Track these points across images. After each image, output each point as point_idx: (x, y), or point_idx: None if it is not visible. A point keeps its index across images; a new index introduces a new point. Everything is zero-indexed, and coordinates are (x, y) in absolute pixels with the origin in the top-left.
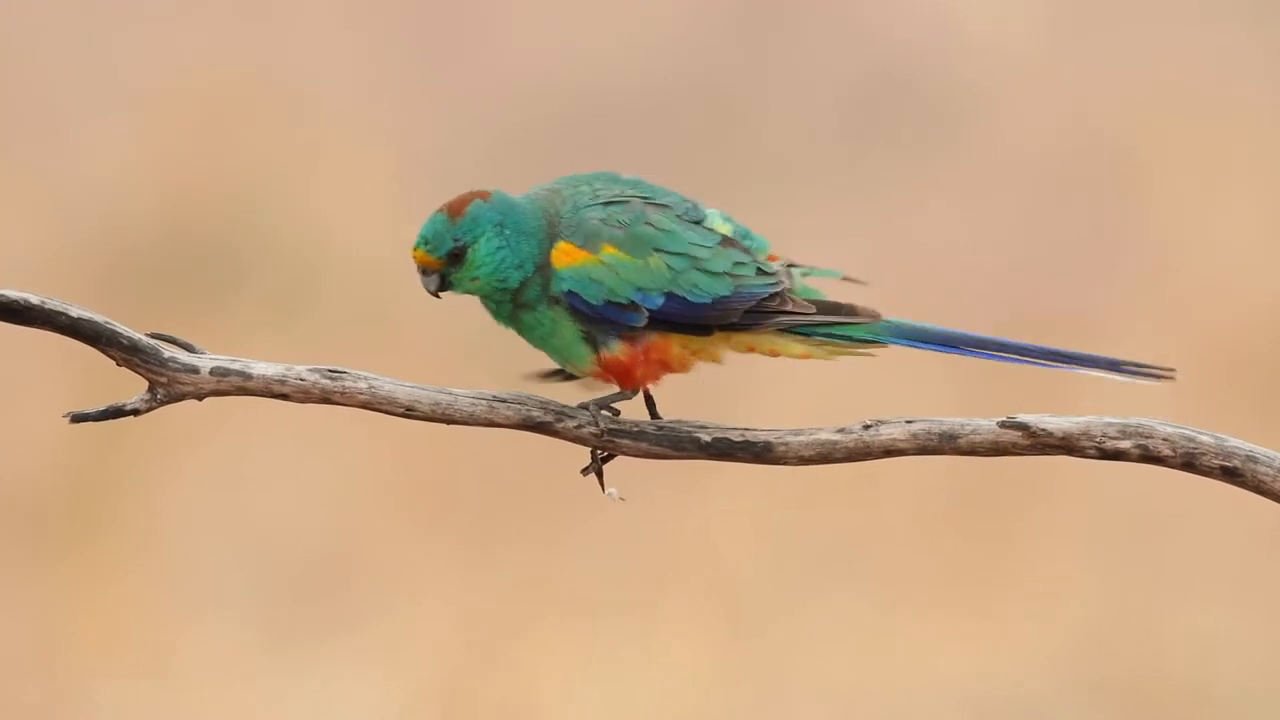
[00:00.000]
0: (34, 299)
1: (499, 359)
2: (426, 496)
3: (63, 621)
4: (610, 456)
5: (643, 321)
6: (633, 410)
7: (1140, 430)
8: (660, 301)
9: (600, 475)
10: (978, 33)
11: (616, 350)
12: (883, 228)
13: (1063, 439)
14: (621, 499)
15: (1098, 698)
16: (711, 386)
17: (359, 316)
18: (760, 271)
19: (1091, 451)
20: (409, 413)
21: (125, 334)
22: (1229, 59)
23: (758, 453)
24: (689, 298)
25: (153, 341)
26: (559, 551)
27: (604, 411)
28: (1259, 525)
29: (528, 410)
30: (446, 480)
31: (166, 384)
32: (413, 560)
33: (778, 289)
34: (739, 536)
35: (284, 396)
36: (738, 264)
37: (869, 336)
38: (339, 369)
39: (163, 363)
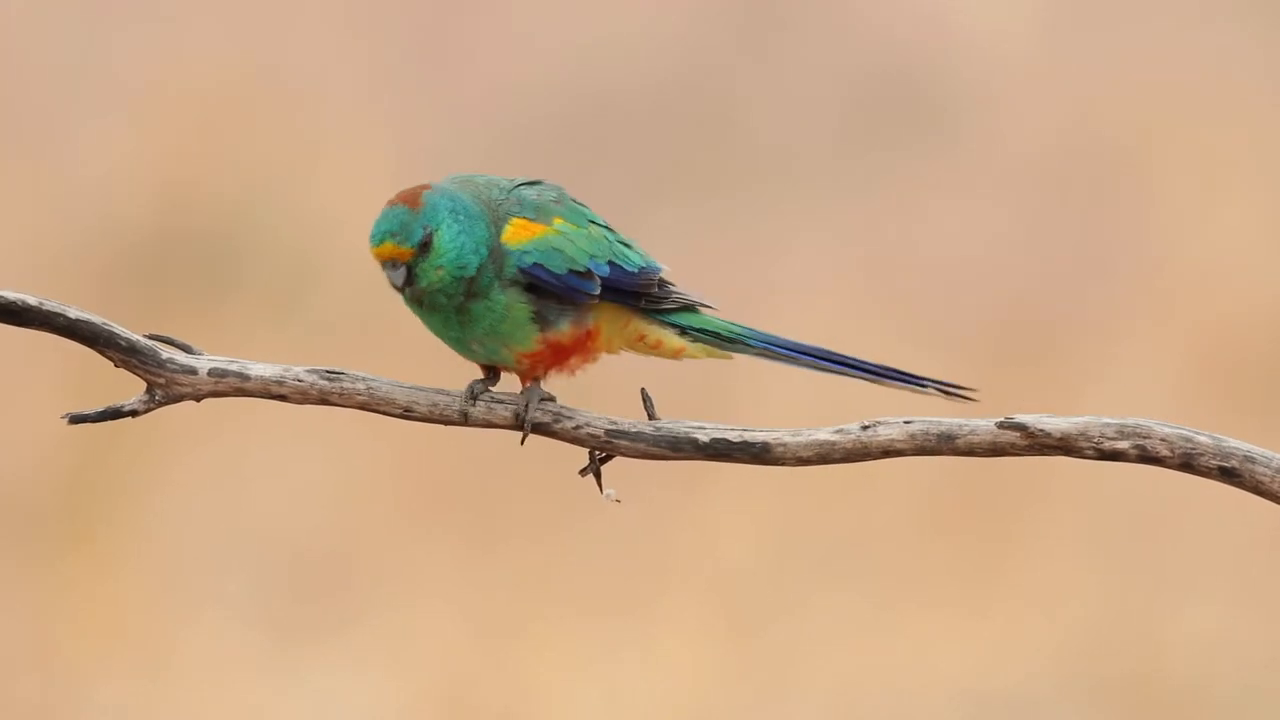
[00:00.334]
0: (32, 300)
1: None
2: (426, 496)
3: (62, 621)
4: (608, 457)
5: (597, 289)
6: (631, 410)
7: (1138, 431)
8: (607, 270)
9: (598, 476)
10: (978, 33)
11: (564, 330)
12: (882, 227)
13: (1061, 439)
14: (618, 500)
15: (1098, 697)
16: (710, 387)
17: (358, 316)
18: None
19: (1089, 452)
20: (407, 414)
21: (123, 335)
22: (1229, 59)
23: (756, 453)
24: (624, 266)
25: (151, 343)
26: (558, 551)
27: (543, 401)
28: (1258, 525)
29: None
30: (446, 480)
31: (165, 385)
32: (412, 560)
33: (662, 269)
34: (738, 536)
35: (282, 397)
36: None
37: (735, 335)
38: (337, 370)
39: (161, 364)
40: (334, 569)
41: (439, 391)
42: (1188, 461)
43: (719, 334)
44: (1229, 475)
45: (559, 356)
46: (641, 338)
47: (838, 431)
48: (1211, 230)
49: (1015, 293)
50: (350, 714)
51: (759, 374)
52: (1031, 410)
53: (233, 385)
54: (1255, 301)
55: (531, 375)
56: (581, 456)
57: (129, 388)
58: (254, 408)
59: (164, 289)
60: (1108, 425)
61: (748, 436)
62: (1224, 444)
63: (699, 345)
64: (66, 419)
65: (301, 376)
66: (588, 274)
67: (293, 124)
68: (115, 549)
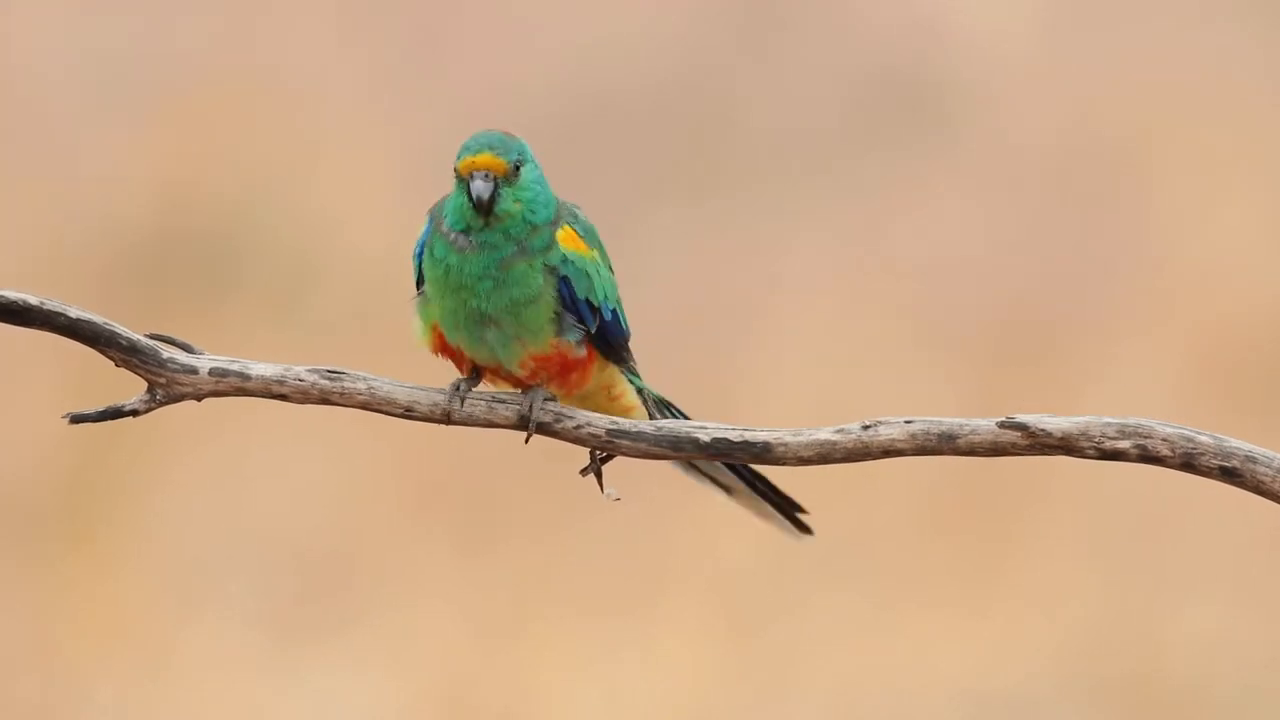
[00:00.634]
0: (33, 300)
1: None
2: (426, 496)
3: (62, 621)
4: (609, 457)
5: (592, 329)
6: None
7: (1139, 430)
8: (610, 316)
9: (599, 476)
10: (978, 33)
11: (572, 343)
12: (882, 227)
13: (1061, 439)
14: (618, 499)
15: (1098, 697)
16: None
17: (358, 316)
18: None
19: (1090, 452)
20: (408, 413)
21: (124, 335)
22: (1229, 59)
23: (757, 453)
24: (620, 321)
25: (151, 342)
26: (559, 551)
27: (547, 402)
28: (1259, 525)
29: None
30: (446, 480)
31: (165, 384)
32: (412, 560)
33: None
34: (738, 536)
35: (283, 397)
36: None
37: (667, 407)
38: (338, 369)
39: (161, 363)
40: (334, 569)
41: (440, 391)
42: (1189, 461)
43: (662, 402)
44: (1230, 475)
45: (564, 369)
46: (609, 386)
47: (839, 431)
48: (1211, 230)
49: (1015, 293)
50: (350, 714)
51: (760, 374)
52: (1032, 410)
53: (234, 385)
54: (1255, 301)
55: (530, 383)
56: (582, 456)
57: (129, 387)
58: (255, 407)
59: (164, 289)
60: (1109, 425)
61: (749, 436)
62: (1225, 444)
63: (643, 409)
64: (67, 419)
65: (302, 376)
66: (596, 311)
67: (293, 124)
68: (115, 549)
